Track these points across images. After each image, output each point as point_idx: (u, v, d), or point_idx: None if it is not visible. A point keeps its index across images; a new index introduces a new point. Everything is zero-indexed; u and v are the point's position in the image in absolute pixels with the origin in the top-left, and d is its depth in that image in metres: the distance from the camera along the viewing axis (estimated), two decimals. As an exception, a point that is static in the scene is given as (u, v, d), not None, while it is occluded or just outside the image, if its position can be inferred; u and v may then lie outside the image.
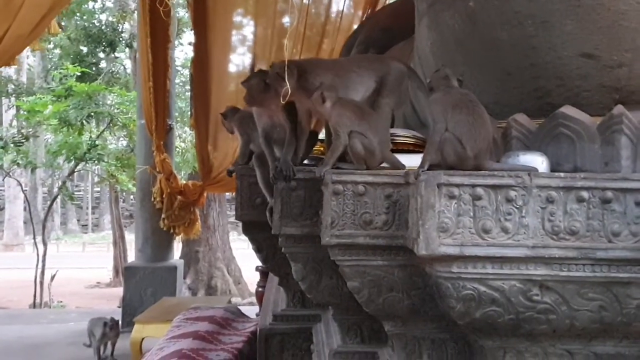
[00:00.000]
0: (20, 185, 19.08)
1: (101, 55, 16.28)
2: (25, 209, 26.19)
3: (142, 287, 9.85)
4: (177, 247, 13.71)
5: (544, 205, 2.24)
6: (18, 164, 14.71)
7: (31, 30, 7.57)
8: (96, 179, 26.63)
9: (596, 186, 2.25)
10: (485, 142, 2.42)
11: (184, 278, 13.48)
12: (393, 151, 2.84)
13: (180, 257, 13.71)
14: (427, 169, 2.38)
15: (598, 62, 2.98)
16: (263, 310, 5.22)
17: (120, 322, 8.07)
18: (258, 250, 4.22)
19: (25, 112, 14.39)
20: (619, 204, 2.25)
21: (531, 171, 2.32)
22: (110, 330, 7.48)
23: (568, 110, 2.64)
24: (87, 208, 37.70)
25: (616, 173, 2.46)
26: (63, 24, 16.26)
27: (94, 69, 15.56)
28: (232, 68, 9.95)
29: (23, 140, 14.74)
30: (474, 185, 2.23)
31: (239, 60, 10.01)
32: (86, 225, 37.01)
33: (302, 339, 4.37)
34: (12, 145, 14.30)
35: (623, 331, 2.39)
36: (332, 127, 2.81)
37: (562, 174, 2.29)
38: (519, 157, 2.55)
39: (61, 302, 14.93)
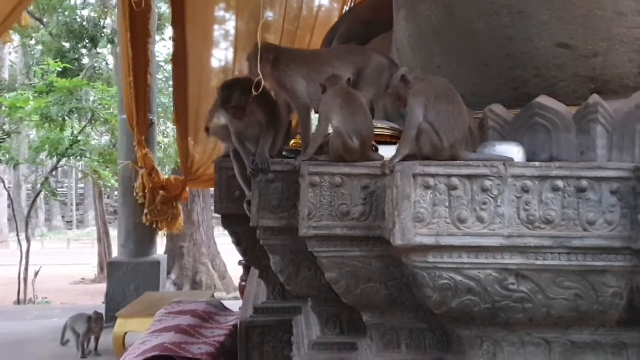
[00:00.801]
0: (3, 182, 18.90)
1: (83, 50, 16.11)
2: (8, 206, 25.94)
3: (125, 282, 9.83)
4: (162, 242, 13.67)
5: (519, 195, 2.25)
6: (0, 161, 14.59)
7: (1, 22, 7.49)
8: (79, 175, 26.51)
9: (571, 175, 2.26)
10: (462, 132, 2.43)
11: (169, 273, 13.44)
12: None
13: (165, 253, 13.70)
14: (402, 160, 2.38)
15: (573, 52, 2.98)
16: (244, 303, 5.22)
17: (104, 317, 8.04)
18: (237, 243, 4.21)
19: (6, 108, 14.28)
20: (594, 193, 2.27)
21: (506, 161, 2.32)
22: (95, 324, 7.46)
23: (544, 100, 2.65)
24: (72, 204, 37.49)
25: (591, 162, 2.47)
26: (45, 20, 16.16)
27: (75, 64, 15.40)
28: (214, 63, 9.89)
29: (5, 137, 14.63)
30: (449, 175, 2.24)
31: (222, 55, 9.95)
32: (70, 221, 36.81)
33: (283, 331, 4.37)
34: (-7, 141, 14.21)
35: (599, 319, 2.40)
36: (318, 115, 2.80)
37: (537, 163, 2.30)
38: (495, 147, 2.56)
39: (46, 298, 14.84)
